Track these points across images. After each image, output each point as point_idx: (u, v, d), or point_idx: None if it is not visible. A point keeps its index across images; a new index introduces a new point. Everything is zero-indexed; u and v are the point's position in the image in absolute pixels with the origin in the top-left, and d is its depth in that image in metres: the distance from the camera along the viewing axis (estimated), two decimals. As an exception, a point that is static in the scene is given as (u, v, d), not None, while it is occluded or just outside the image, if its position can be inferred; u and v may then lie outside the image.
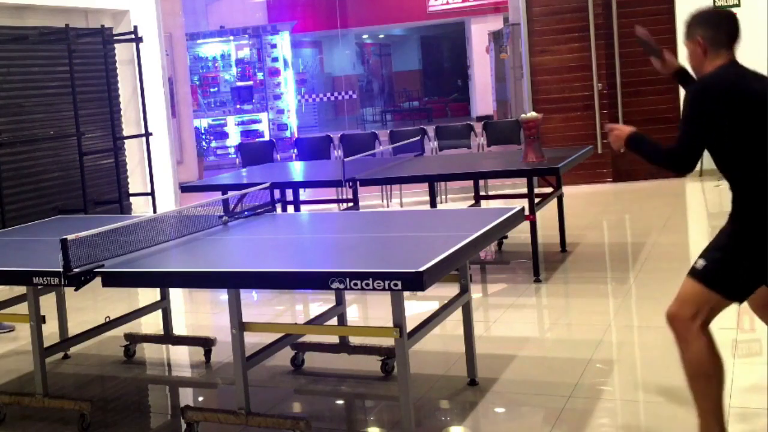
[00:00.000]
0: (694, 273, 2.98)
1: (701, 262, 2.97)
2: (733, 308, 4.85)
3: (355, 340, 4.60)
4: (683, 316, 2.96)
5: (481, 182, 8.31)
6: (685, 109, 3.02)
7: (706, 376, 2.94)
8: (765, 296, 3.15)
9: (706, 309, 2.95)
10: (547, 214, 6.91)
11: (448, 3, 20.22)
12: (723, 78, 3.02)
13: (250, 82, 16.57)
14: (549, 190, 6.68)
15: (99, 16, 9.24)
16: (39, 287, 3.89)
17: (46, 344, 4.14)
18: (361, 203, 6.83)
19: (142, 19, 9.55)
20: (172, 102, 12.39)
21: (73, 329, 4.99)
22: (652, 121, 9.68)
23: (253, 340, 3.95)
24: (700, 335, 2.93)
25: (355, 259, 3.67)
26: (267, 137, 15.65)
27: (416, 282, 3.02)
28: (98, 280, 3.54)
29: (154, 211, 8.51)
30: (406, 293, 3.34)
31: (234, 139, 16.03)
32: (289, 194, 7.57)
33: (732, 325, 4.59)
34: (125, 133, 9.31)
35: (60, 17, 8.59)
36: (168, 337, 5.09)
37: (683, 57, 3.29)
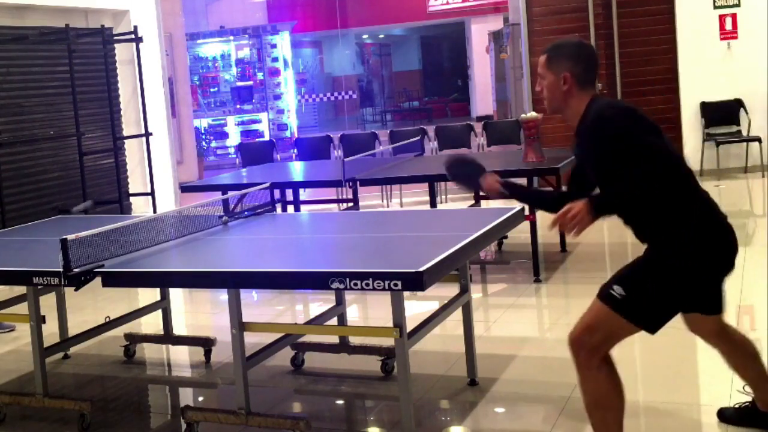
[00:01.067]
0: (610, 300, 2.84)
1: (619, 290, 2.81)
2: (733, 308, 4.86)
3: (355, 340, 4.60)
4: (589, 344, 2.87)
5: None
6: (616, 143, 2.78)
7: (604, 408, 2.87)
8: (715, 322, 3.11)
9: (616, 339, 2.88)
10: (547, 214, 6.88)
11: (448, 3, 20.22)
12: (624, 106, 2.96)
13: (250, 82, 16.57)
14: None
15: (99, 16, 9.24)
16: (39, 287, 3.89)
17: (46, 344, 4.13)
18: (361, 203, 6.84)
19: (142, 19, 9.55)
20: (172, 102, 12.39)
21: (73, 329, 4.99)
22: (652, 121, 9.68)
23: (253, 340, 3.95)
24: (602, 366, 2.85)
25: (355, 259, 3.67)
26: (267, 137, 15.66)
27: (416, 282, 3.02)
28: (98, 280, 3.54)
29: (154, 211, 8.51)
30: (406, 293, 3.34)
31: (234, 139, 16.04)
32: (289, 194, 7.57)
33: (732, 325, 4.59)
34: (125, 133, 9.31)
35: (60, 17, 8.59)
36: (168, 337, 5.09)
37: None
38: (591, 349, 2.87)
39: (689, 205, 2.83)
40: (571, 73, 2.97)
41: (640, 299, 2.81)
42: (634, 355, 4.59)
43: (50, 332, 4.70)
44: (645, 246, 2.98)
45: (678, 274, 2.80)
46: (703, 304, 3.00)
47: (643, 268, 2.88)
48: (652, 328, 2.86)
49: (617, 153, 2.78)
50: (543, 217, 6.76)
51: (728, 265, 2.89)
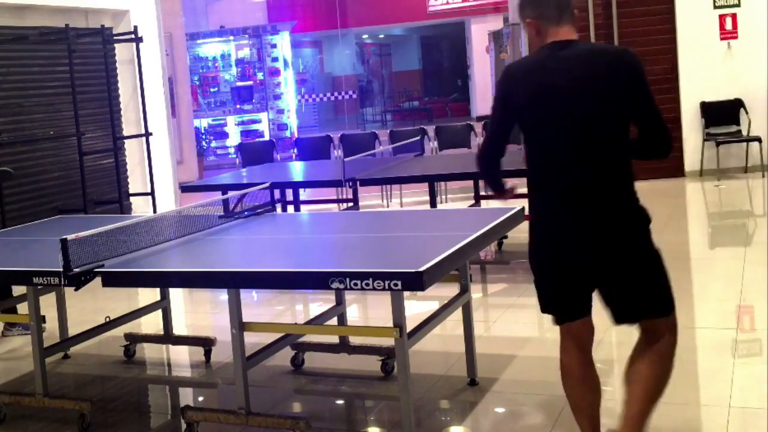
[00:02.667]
0: None
1: None
2: (732, 308, 4.87)
3: (355, 340, 4.60)
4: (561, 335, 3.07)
5: (482, 182, 8.31)
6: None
7: (565, 380, 3.07)
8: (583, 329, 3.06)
9: (567, 333, 3.00)
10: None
11: (448, 3, 20.23)
12: (512, 67, 2.90)
13: (250, 82, 16.57)
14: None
15: (99, 16, 9.24)
16: (39, 287, 3.89)
17: (46, 344, 4.13)
18: (361, 203, 6.84)
19: (142, 19, 9.55)
20: (172, 102, 12.39)
21: (73, 329, 4.98)
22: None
23: (253, 340, 3.95)
24: (564, 352, 3.03)
25: (355, 259, 3.67)
26: (267, 137, 15.65)
27: (416, 282, 3.02)
28: (98, 280, 3.54)
29: (154, 211, 8.51)
30: (406, 293, 3.34)
31: (234, 139, 16.04)
32: (289, 194, 7.57)
33: (732, 325, 4.60)
34: (125, 133, 9.32)
35: (60, 17, 8.59)
36: (168, 337, 5.09)
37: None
38: (561, 341, 3.09)
39: (538, 173, 2.86)
40: (532, 17, 2.85)
41: (538, 295, 3.02)
42: (634, 355, 4.59)
43: (50, 332, 4.70)
44: None
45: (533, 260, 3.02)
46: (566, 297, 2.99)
47: None
48: (555, 320, 3.01)
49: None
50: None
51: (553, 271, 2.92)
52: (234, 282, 3.49)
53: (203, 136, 16.00)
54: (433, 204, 6.53)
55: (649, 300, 2.83)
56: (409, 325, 3.51)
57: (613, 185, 2.71)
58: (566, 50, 2.75)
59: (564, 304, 2.91)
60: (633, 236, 2.73)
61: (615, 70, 2.72)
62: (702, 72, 9.99)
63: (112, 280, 3.56)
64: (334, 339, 4.63)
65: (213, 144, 16.34)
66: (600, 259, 2.75)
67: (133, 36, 8.92)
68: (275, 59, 16.44)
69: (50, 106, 8.36)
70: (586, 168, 2.69)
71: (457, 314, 4.10)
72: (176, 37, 13.78)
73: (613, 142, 2.70)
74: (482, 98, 19.84)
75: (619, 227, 2.71)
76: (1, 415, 4.13)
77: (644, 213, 2.76)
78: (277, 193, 6.46)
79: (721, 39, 9.91)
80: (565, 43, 2.78)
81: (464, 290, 4.11)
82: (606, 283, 2.83)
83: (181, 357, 5.11)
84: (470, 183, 7.74)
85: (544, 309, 3.03)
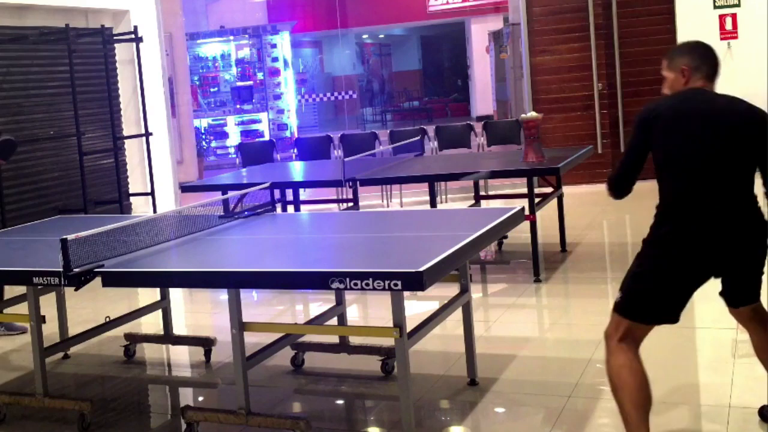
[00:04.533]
0: (615, 306, 3.10)
1: (618, 294, 3.09)
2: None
3: (355, 340, 4.60)
4: (613, 338, 3.10)
5: (481, 182, 8.32)
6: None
7: (614, 389, 3.05)
8: (746, 310, 3.20)
9: (633, 334, 3.06)
10: (547, 214, 6.91)
11: (448, 3, 20.21)
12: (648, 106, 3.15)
13: (250, 82, 16.56)
14: (549, 190, 6.68)
15: (99, 16, 9.24)
16: (39, 287, 3.89)
17: (46, 344, 4.13)
18: (361, 203, 6.84)
19: (142, 19, 9.55)
20: (172, 102, 12.39)
21: (73, 329, 4.99)
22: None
23: (253, 340, 3.95)
24: (621, 352, 3.05)
25: (355, 259, 3.67)
26: (267, 137, 15.64)
27: (416, 282, 3.02)
28: (98, 280, 3.54)
29: (154, 211, 8.51)
30: (406, 293, 3.34)
31: (234, 139, 16.03)
32: (289, 194, 7.57)
33: (732, 325, 4.59)
34: (125, 133, 9.32)
35: (60, 17, 8.59)
36: (168, 337, 5.09)
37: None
38: (616, 341, 3.08)
39: (675, 201, 3.01)
40: (689, 67, 3.13)
41: (634, 295, 3.05)
42: (634, 355, 4.59)
43: (50, 332, 4.70)
44: None
45: (658, 269, 3.02)
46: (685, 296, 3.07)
47: (633, 264, 3.13)
48: (651, 322, 3.06)
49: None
50: (543, 217, 6.78)
51: (695, 271, 3.01)
52: (234, 282, 3.49)
53: (203, 136, 15.99)
54: (433, 204, 6.53)
55: (757, 288, 3.18)
56: (409, 325, 3.51)
57: (740, 204, 3.02)
58: (707, 96, 3.11)
59: (675, 306, 3.05)
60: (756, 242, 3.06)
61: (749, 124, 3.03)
62: (702, 72, 9.98)
63: (112, 280, 3.56)
64: (334, 339, 4.63)
65: (213, 144, 16.33)
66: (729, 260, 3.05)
67: (133, 36, 8.92)
68: (275, 59, 16.43)
69: (50, 106, 8.36)
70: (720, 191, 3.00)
71: (457, 314, 4.10)
72: (176, 37, 13.78)
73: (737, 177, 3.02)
74: (482, 98, 19.83)
75: (746, 236, 3.03)
76: (1, 415, 4.13)
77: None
78: (277, 193, 6.48)
79: (721, 39, 9.91)
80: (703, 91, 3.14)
81: (464, 290, 4.11)
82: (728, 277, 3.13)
83: (181, 357, 5.11)
84: (470, 183, 7.74)
85: (648, 313, 3.05)
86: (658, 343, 4.17)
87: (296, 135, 15.84)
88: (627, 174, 3.18)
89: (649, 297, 3.03)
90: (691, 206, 2.98)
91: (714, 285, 3.15)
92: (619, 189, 3.23)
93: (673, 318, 3.05)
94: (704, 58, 3.15)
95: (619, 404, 3.04)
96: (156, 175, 9.12)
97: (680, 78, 3.14)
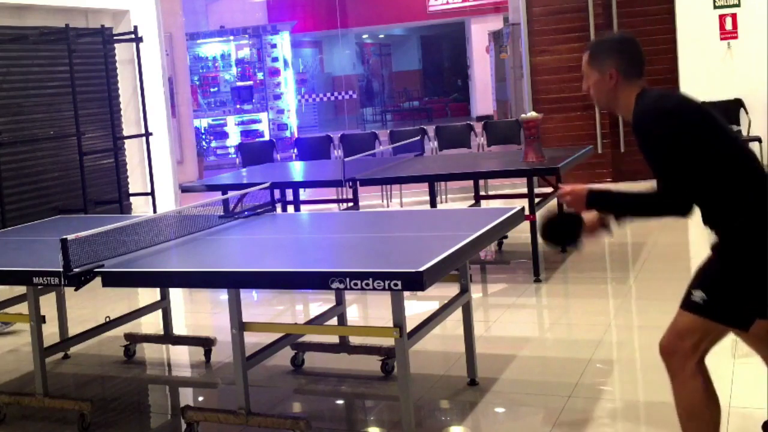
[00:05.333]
0: (694, 307, 2.73)
1: (700, 294, 2.71)
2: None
3: (355, 340, 4.60)
4: (681, 349, 2.74)
5: (481, 182, 8.31)
6: (655, 147, 2.75)
7: (698, 419, 2.76)
8: (763, 328, 2.95)
9: (708, 340, 2.75)
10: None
11: (448, 3, 20.22)
12: (664, 108, 2.79)
13: (250, 82, 16.56)
14: (549, 190, 6.68)
15: (99, 16, 9.24)
16: (39, 287, 3.89)
17: (46, 344, 4.13)
18: (361, 203, 6.83)
19: (142, 19, 9.55)
20: (172, 102, 12.39)
21: (73, 329, 4.99)
22: (652, 121, 9.68)
23: (253, 340, 3.95)
24: (697, 375, 2.74)
25: (355, 259, 3.67)
26: (267, 137, 15.65)
27: (416, 282, 3.02)
28: (98, 280, 3.54)
29: (154, 211, 8.51)
30: (406, 293, 3.34)
31: (234, 139, 16.03)
32: (289, 194, 7.57)
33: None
34: (125, 133, 9.31)
35: (60, 17, 8.59)
36: (168, 337, 5.09)
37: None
38: (684, 353, 2.74)
39: (742, 201, 2.71)
40: (616, 69, 2.88)
41: (722, 298, 2.71)
42: (634, 355, 4.59)
43: (50, 332, 4.70)
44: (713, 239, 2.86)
45: (747, 263, 2.69)
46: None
47: (718, 266, 2.77)
48: (744, 324, 2.76)
49: (656, 155, 2.76)
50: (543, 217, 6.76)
51: None
52: (234, 282, 3.49)
53: (203, 136, 15.99)
54: (433, 204, 6.53)
55: None
56: (409, 325, 3.51)
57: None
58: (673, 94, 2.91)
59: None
60: None
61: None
62: (702, 72, 9.99)
63: (112, 280, 3.56)
64: (334, 339, 4.63)
65: (213, 144, 16.33)
66: None
67: (133, 36, 8.92)
68: (275, 59, 16.43)
69: (50, 106, 8.35)
70: None
71: (457, 314, 4.10)
72: (176, 37, 13.78)
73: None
74: (482, 98, 19.84)
75: None
76: (1, 415, 4.13)
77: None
78: (277, 193, 6.47)
79: (721, 39, 9.91)
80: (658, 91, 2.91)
81: (464, 290, 4.11)
82: None
83: (181, 357, 5.11)
84: (470, 183, 7.74)
85: (746, 317, 2.75)
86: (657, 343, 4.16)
87: (296, 135, 15.85)
88: (684, 180, 2.75)
89: (744, 294, 2.69)
90: (755, 191, 2.70)
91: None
92: (687, 203, 2.79)
93: (765, 312, 2.73)
94: (634, 59, 2.90)
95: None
96: (156, 175, 9.12)
97: (606, 80, 2.89)
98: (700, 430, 2.77)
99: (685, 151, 2.70)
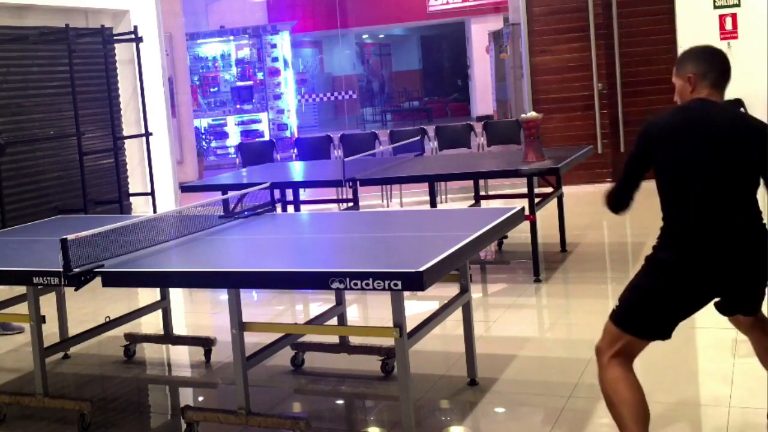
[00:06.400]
0: (611, 315, 3.01)
1: (615, 303, 3.00)
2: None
3: (355, 340, 4.60)
4: (607, 353, 3.01)
5: (481, 182, 8.31)
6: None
7: (611, 404, 2.98)
8: (748, 318, 3.13)
9: (620, 346, 2.97)
10: (547, 214, 6.91)
11: (448, 3, 20.21)
12: (650, 119, 3.05)
13: (250, 82, 16.56)
14: (549, 190, 6.68)
15: (99, 16, 9.24)
16: (39, 287, 3.89)
17: (46, 344, 4.13)
18: (361, 203, 6.83)
19: (142, 19, 9.55)
20: (172, 102, 12.39)
21: (73, 329, 4.99)
22: (652, 121, 9.68)
23: (253, 340, 3.95)
24: (615, 366, 2.98)
25: (355, 259, 3.67)
26: (267, 137, 15.64)
27: (416, 282, 3.02)
28: (98, 280, 3.54)
29: (154, 211, 8.51)
30: (406, 293, 3.34)
31: (234, 139, 16.03)
32: (289, 194, 7.57)
33: (732, 325, 4.59)
34: (125, 133, 9.31)
35: (60, 17, 8.59)
36: (168, 337, 5.09)
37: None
38: (602, 350, 3.03)
39: (678, 226, 2.90)
40: (695, 74, 3.00)
41: (630, 308, 2.95)
42: (634, 355, 4.59)
43: (50, 332, 4.70)
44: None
45: (654, 280, 2.92)
46: (690, 311, 3.00)
47: (634, 276, 3.01)
48: (650, 336, 2.97)
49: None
50: (543, 217, 6.78)
51: (697, 291, 2.92)
52: (234, 282, 3.49)
53: (203, 136, 15.99)
54: (433, 204, 6.53)
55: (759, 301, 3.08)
56: (409, 325, 3.51)
57: (744, 225, 2.91)
58: (709, 110, 2.96)
59: (670, 325, 2.97)
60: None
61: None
62: (702, 72, 9.98)
63: (112, 280, 3.56)
64: (334, 339, 4.63)
65: (213, 144, 16.33)
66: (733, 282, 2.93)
67: (133, 36, 8.92)
68: (275, 59, 16.43)
69: (50, 106, 8.35)
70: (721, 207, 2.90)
71: (457, 314, 4.10)
72: (176, 37, 13.78)
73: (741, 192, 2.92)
74: (482, 98, 19.83)
75: (750, 256, 2.91)
76: (1, 415, 4.13)
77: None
78: (277, 193, 6.47)
79: (721, 39, 9.90)
80: (709, 102, 2.99)
81: (464, 290, 4.11)
82: (728, 297, 3.03)
83: (181, 357, 5.11)
84: (470, 183, 7.75)
85: (642, 328, 2.97)
86: (658, 343, 4.17)
87: (296, 135, 15.84)
88: (625, 187, 3.07)
89: (646, 313, 2.93)
90: (695, 232, 2.86)
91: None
92: (618, 203, 3.11)
93: (664, 336, 2.98)
94: (711, 65, 3.00)
95: (617, 419, 2.96)
96: (156, 175, 9.12)
97: (687, 86, 3.02)
98: (619, 414, 2.95)
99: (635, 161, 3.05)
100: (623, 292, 3.01)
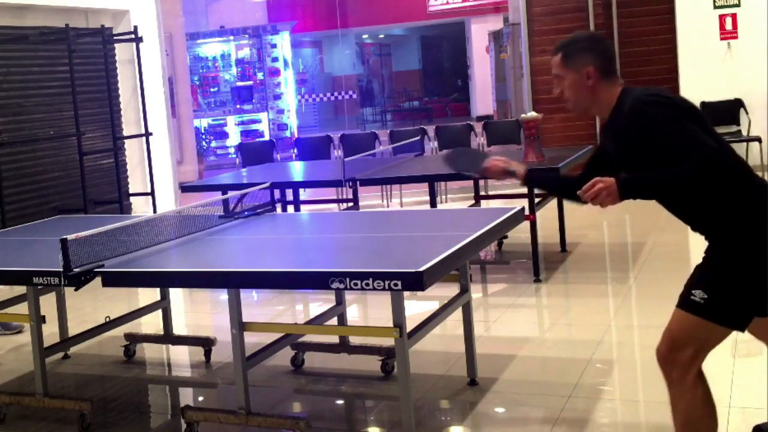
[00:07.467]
0: (693, 307, 2.67)
1: (700, 294, 2.65)
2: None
3: (355, 340, 4.60)
4: (681, 360, 2.70)
5: (481, 182, 8.31)
6: (660, 129, 2.67)
7: (698, 428, 2.73)
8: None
9: (708, 347, 2.72)
10: (547, 214, 6.91)
11: (448, 3, 20.21)
12: (662, 93, 2.77)
13: (250, 82, 16.56)
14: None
15: (99, 16, 9.24)
16: (39, 287, 3.89)
17: (46, 344, 4.13)
18: (361, 203, 6.83)
19: (142, 19, 9.55)
20: (172, 102, 12.39)
21: (73, 329, 4.99)
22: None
23: (253, 340, 3.95)
24: (697, 384, 2.72)
25: (355, 259, 3.67)
26: (267, 137, 15.65)
27: (416, 282, 3.02)
28: (98, 280, 3.54)
29: (154, 211, 8.51)
30: (406, 293, 3.34)
31: (234, 139, 16.03)
32: (289, 194, 7.57)
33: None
34: (125, 133, 9.31)
35: (60, 17, 8.58)
36: (168, 337, 5.09)
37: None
38: (684, 365, 2.71)
39: (743, 195, 2.67)
40: (594, 66, 2.83)
41: (723, 298, 2.65)
42: (634, 355, 4.59)
43: (50, 332, 4.70)
44: (703, 243, 2.84)
45: (749, 262, 2.64)
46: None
47: (718, 266, 2.71)
48: (742, 325, 2.70)
49: (658, 143, 2.67)
50: (543, 218, 6.78)
51: None
52: (234, 282, 3.49)
53: (203, 136, 16.00)
54: (433, 204, 6.52)
55: None
56: (409, 325, 3.51)
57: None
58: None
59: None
60: None
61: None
62: (702, 72, 9.99)
63: (112, 280, 3.56)
64: (334, 339, 4.63)
65: (213, 144, 16.33)
66: None
67: (133, 36, 8.92)
68: (275, 59, 16.43)
69: (50, 106, 8.35)
70: None
71: (457, 314, 4.10)
72: (176, 37, 13.78)
73: None
74: (482, 98, 19.83)
75: None
76: (1, 415, 4.13)
77: None
78: (277, 193, 6.47)
79: (721, 39, 9.91)
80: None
81: (464, 290, 4.11)
82: None
83: (181, 357, 5.11)
84: (470, 183, 7.74)
85: (745, 317, 2.69)
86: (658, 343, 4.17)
87: (296, 135, 15.85)
88: (704, 142, 2.66)
89: (745, 293, 2.63)
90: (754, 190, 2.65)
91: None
92: (715, 155, 2.64)
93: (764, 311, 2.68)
94: (608, 56, 2.84)
95: None
96: (156, 175, 9.12)
97: (584, 80, 2.84)
98: (710, 414, 2.73)
99: (689, 124, 2.67)
100: (702, 281, 2.69)
